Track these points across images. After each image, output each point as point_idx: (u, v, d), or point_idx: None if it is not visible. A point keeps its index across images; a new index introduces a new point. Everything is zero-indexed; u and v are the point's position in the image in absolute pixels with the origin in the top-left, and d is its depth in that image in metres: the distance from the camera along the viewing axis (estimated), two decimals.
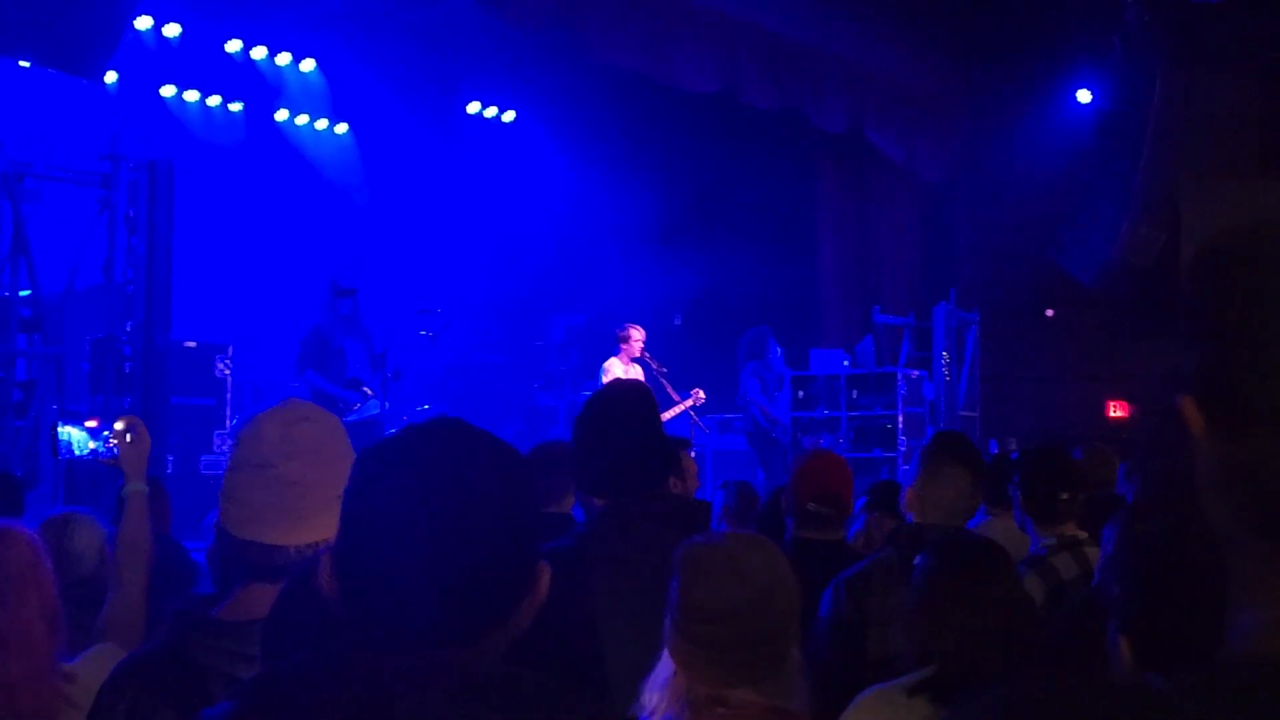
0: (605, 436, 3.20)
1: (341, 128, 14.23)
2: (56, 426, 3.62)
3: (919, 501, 3.92)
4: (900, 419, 12.92)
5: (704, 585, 2.32)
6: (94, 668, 2.71)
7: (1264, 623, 1.00)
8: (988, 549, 2.91)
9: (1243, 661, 0.99)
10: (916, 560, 2.91)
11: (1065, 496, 4.45)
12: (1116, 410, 15.01)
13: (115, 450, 3.40)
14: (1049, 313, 15.30)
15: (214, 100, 13.24)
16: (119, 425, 3.41)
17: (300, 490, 2.22)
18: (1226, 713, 0.94)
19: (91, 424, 3.54)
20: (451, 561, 1.40)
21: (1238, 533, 1.02)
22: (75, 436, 3.57)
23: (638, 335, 11.10)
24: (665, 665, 2.38)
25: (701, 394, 11.59)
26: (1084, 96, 14.27)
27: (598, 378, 10.92)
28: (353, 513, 1.46)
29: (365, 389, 10.34)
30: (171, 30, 12.20)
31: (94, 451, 3.51)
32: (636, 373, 11.09)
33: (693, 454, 6.64)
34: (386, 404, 10.30)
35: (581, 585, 2.97)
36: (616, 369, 11.01)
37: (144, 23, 11.79)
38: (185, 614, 2.30)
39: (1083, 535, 4.39)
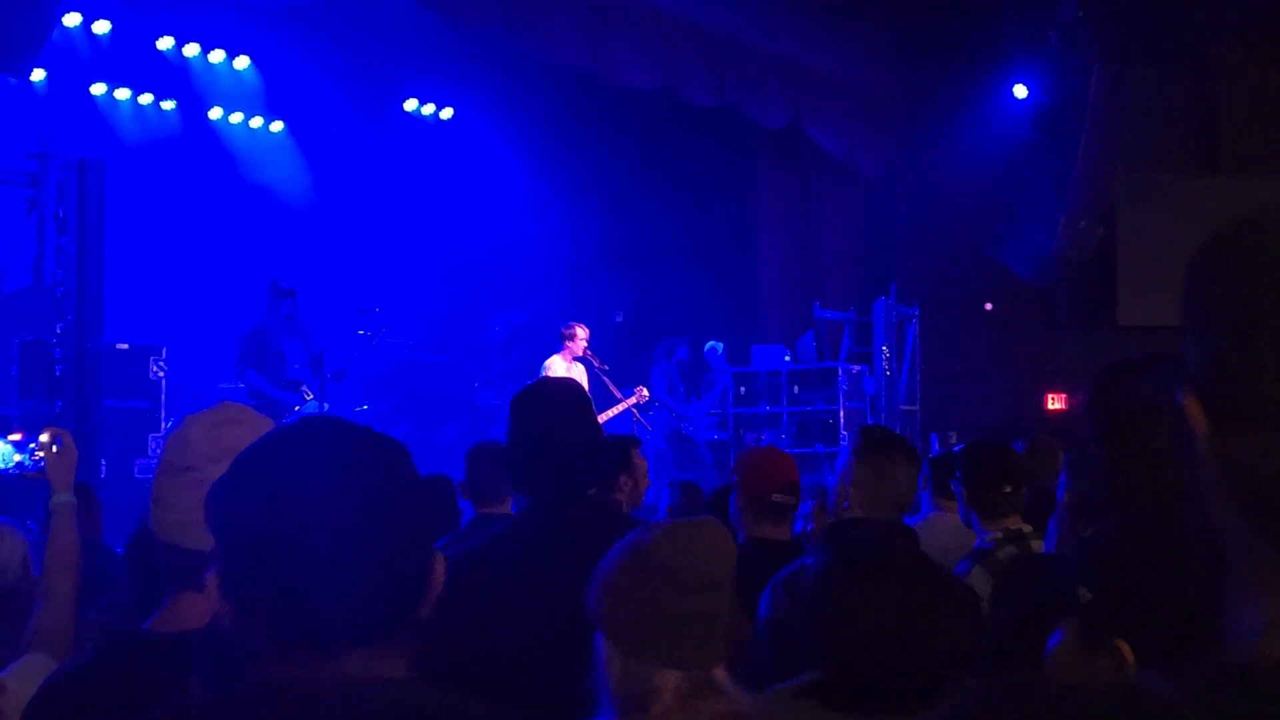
0: (531, 434, 3.16)
1: (277, 125, 14.06)
2: None
3: (863, 495, 3.86)
4: (842, 414, 12.97)
5: (689, 555, 2.29)
6: (24, 679, 2.65)
7: (1270, 624, 0.98)
8: (884, 543, 2.69)
9: (1247, 664, 0.97)
10: (809, 559, 2.84)
11: (1008, 490, 4.46)
12: (1055, 402, 15.15)
13: (41, 463, 3.32)
14: (988, 306, 15.41)
15: (146, 98, 13.04)
16: (44, 437, 3.33)
17: None
18: (1233, 718, 0.92)
19: (15, 437, 3.45)
20: (347, 564, 1.36)
21: (1240, 530, 1.01)
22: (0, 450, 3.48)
23: (582, 334, 11.06)
24: (614, 668, 2.32)
25: (645, 392, 11.57)
26: (1020, 92, 14.38)
27: (539, 376, 10.86)
28: (232, 524, 1.40)
29: (305, 390, 10.23)
30: (101, 27, 12.00)
31: (19, 465, 3.42)
32: (579, 371, 11.05)
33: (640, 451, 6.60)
34: (325, 405, 10.19)
35: (486, 588, 2.93)
36: (558, 367, 10.97)
37: (73, 19, 11.58)
38: (113, 627, 2.23)
39: (1027, 528, 4.40)
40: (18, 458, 3.43)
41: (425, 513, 1.47)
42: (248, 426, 2.23)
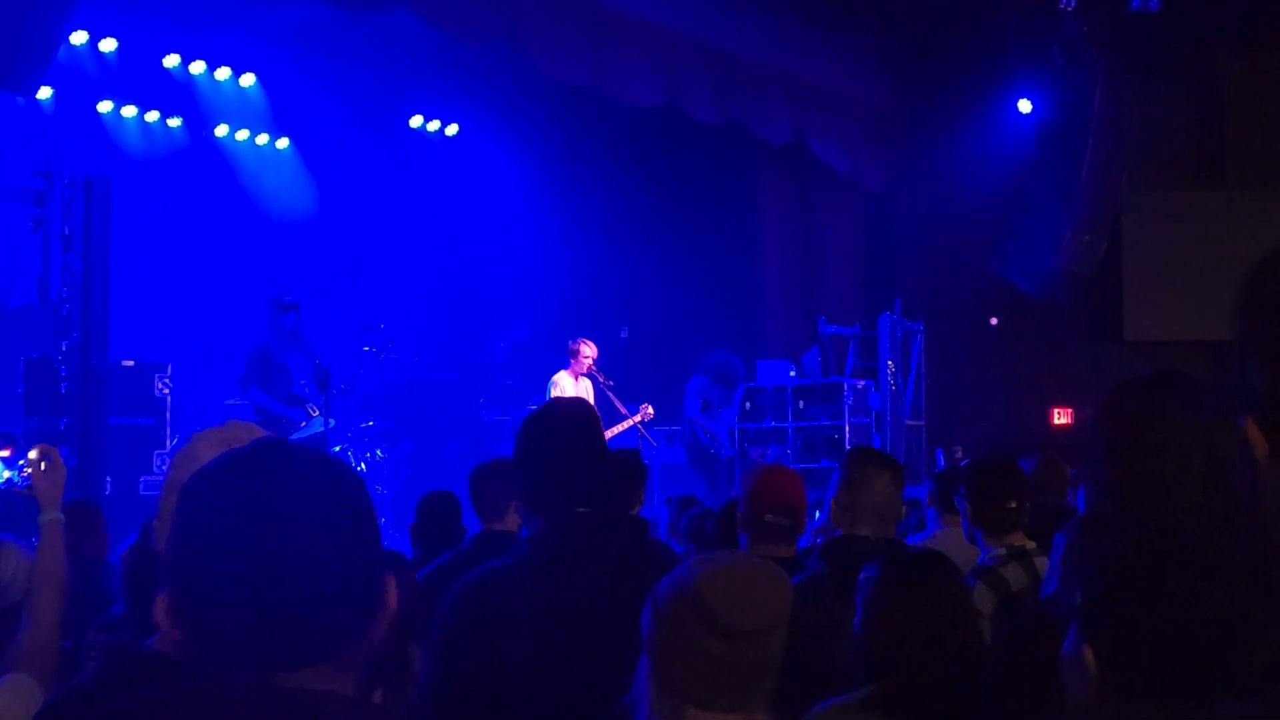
0: (544, 453, 3.15)
1: (283, 142, 14.10)
2: None
3: (846, 512, 3.91)
4: (847, 429, 12.94)
5: (738, 602, 2.25)
6: (8, 700, 2.64)
7: None
8: (933, 559, 2.89)
9: None
10: (862, 574, 2.87)
11: (1012, 506, 4.45)
12: (1061, 417, 15.11)
13: (30, 480, 3.32)
14: (993, 321, 15.38)
15: (152, 116, 13.09)
16: (33, 454, 3.34)
17: None
18: None
19: (4, 453, 3.46)
20: (284, 585, 1.38)
21: None
22: None
23: (588, 351, 11.07)
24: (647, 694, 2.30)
25: (650, 409, 11.58)
26: (1025, 106, 14.39)
27: (544, 393, 10.87)
28: (181, 549, 1.43)
29: (309, 406, 10.24)
30: (108, 45, 12.05)
31: (9, 481, 3.43)
32: (585, 387, 11.06)
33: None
34: (331, 421, 10.19)
35: (519, 604, 2.93)
36: (565, 383, 10.98)
37: (79, 38, 11.62)
38: (115, 645, 2.23)
39: (1031, 545, 4.39)
40: (6, 474, 3.44)
41: (373, 536, 1.49)
42: None
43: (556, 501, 3.09)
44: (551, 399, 3.12)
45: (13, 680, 2.88)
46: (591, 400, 11.07)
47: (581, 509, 3.08)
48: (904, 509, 4.08)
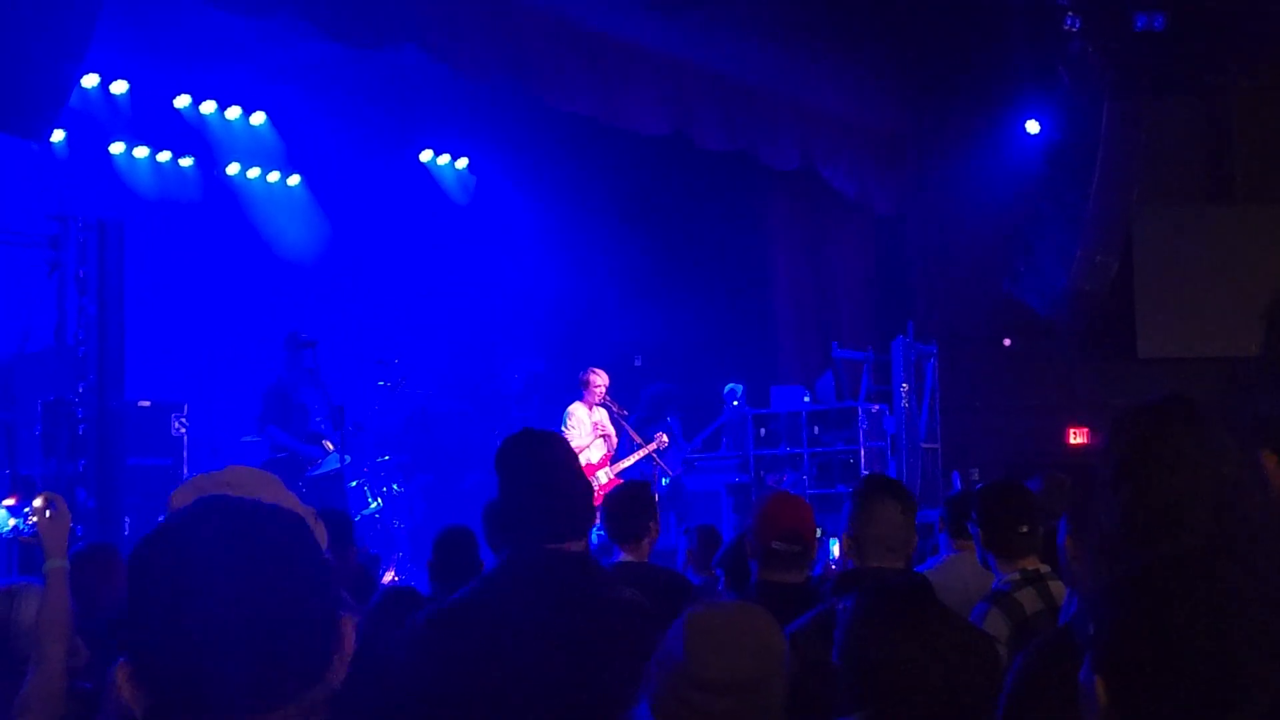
0: (505, 488, 3.20)
1: (294, 180, 14.18)
2: None
3: (855, 545, 3.91)
4: (862, 453, 12.94)
5: (717, 656, 2.26)
6: None
7: None
8: (914, 588, 2.84)
9: None
10: (839, 605, 2.87)
11: (1025, 530, 4.44)
12: (1077, 436, 15.07)
13: (35, 527, 3.35)
14: (1006, 342, 15.37)
15: (164, 156, 13.17)
16: (38, 502, 3.37)
17: None
18: None
19: (10, 502, 3.49)
20: (239, 637, 1.43)
21: None
22: None
23: (599, 380, 11.10)
24: None
25: (665, 438, 11.59)
26: (1032, 127, 14.40)
27: (559, 424, 10.89)
28: (135, 615, 1.48)
29: (326, 443, 10.28)
30: (119, 87, 12.14)
31: (15, 529, 3.46)
32: (600, 417, 11.10)
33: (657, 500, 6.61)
34: (347, 457, 10.23)
35: (471, 636, 2.97)
36: (580, 414, 11.01)
37: (91, 80, 11.71)
38: None
39: (1045, 569, 4.38)
40: (13, 522, 3.47)
41: (323, 582, 1.54)
42: (238, 490, 2.26)
43: (513, 538, 3.13)
44: (522, 429, 3.15)
45: None
46: (610, 430, 11.12)
47: (536, 544, 3.11)
48: (915, 538, 4.08)
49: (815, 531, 4.52)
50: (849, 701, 2.71)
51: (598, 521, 5.03)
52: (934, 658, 2.59)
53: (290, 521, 1.54)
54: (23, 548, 7.73)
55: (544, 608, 2.82)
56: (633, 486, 5.94)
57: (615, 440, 11.25)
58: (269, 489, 2.29)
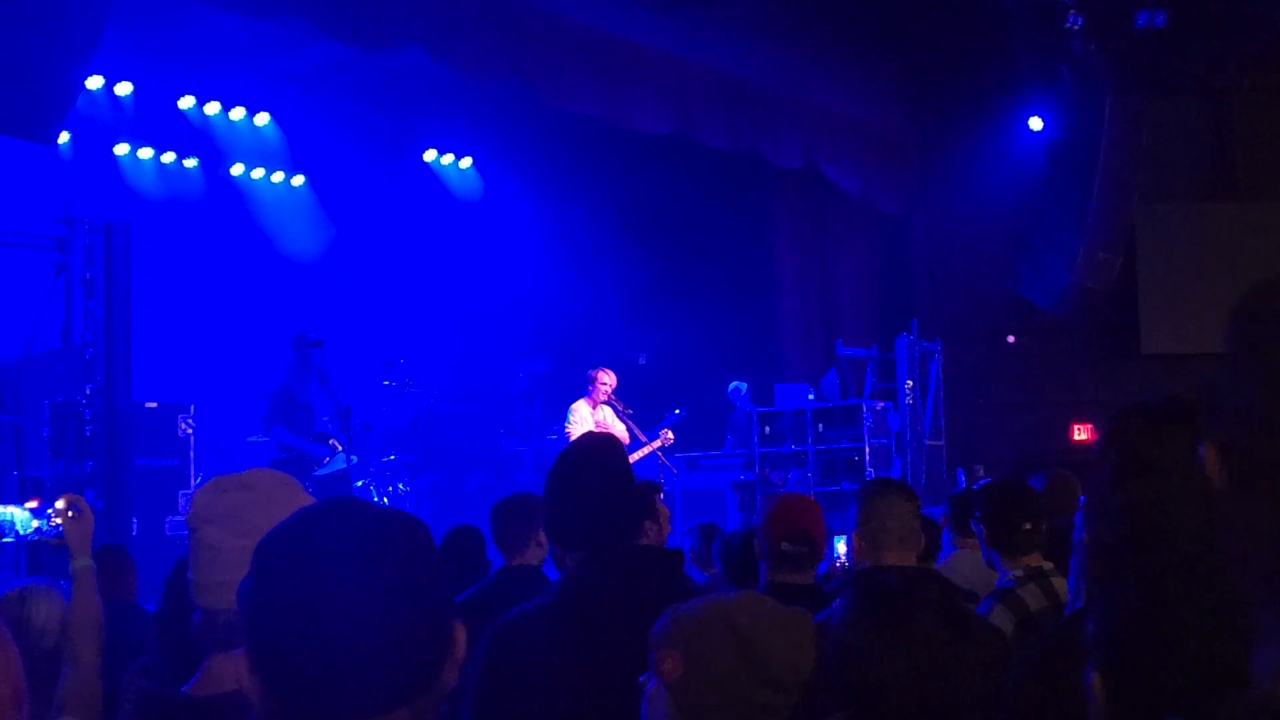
0: (576, 490, 3.18)
1: (298, 180, 14.21)
2: None
3: (867, 541, 3.92)
4: (867, 451, 12.95)
5: (788, 652, 2.27)
6: None
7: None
8: (901, 588, 2.82)
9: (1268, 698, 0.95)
10: (834, 604, 2.87)
11: (1028, 527, 4.46)
12: (1081, 433, 15.08)
13: (59, 529, 3.38)
14: (1010, 339, 15.38)
15: (168, 157, 13.21)
16: (60, 504, 3.39)
17: (213, 555, 2.23)
18: None
19: (32, 504, 3.51)
20: (356, 637, 1.44)
21: (1260, 591, 0.98)
22: (18, 517, 3.54)
23: (606, 379, 11.11)
24: None
25: (670, 435, 11.60)
26: (1035, 124, 14.40)
27: (563, 423, 10.92)
28: (256, 607, 1.48)
29: (332, 442, 10.31)
30: (123, 89, 12.17)
31: (38, 530, 3.48)
32: (605, 415, 11.10)
33: (661, 498, 6.63)
34: (353, 457, 10.26)
35: (556, 643, 2.96)
36: (583, 411, 11.02)
37: (95, 82, 11.74)
38: (152, 692, 2.28)
39: (1048, 566, 4.40)
40: (36, 524, 3.49)
41: (441, 585, 1.55)
42: (249, 491, 2.30)
43: (589, 539, 3.12)
44: (582, 434, 3.13)
45: None
46: (614, 428, 11.14)
47: (615, 544, 3.12)
48: (922, 535, 4.10)
49: (824, 532, 4.54)
50: (829, 701, 2.71)
51: None
52: (915, 658, 2.58)
53: (412, 523, 1.55)
54: (30, 550, 7.78)
55: (638, 602, 2.81)
56: (639, 485, 5.95)
57: (626, 440, 11.27)
58: (288, 491, 2.32)
